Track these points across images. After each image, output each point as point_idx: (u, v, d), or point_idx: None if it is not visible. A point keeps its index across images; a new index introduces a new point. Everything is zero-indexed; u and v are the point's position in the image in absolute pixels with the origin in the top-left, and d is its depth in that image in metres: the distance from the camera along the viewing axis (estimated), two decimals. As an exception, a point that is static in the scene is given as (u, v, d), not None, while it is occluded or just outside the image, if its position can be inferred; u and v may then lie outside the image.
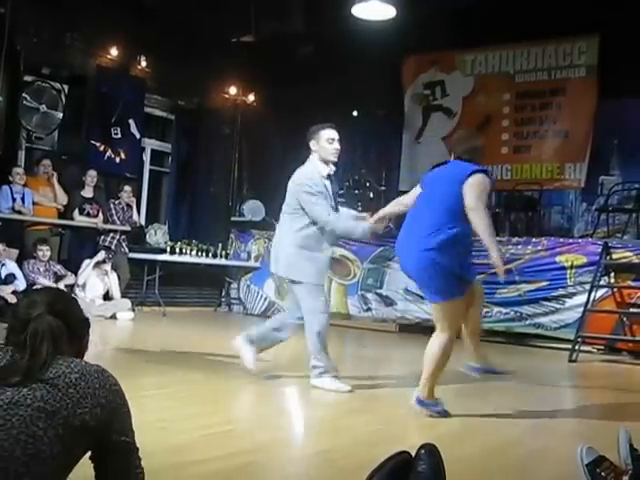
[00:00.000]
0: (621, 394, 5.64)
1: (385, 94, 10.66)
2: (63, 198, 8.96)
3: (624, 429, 2.67)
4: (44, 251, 8.23)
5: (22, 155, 9.31)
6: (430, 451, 2.13)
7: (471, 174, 3.83)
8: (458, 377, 5.65)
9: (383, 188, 10.71)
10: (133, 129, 10.17)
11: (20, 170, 8.56)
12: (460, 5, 9.15)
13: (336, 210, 4.81)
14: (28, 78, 9.10)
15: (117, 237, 9.22)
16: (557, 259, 8.15)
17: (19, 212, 8.43)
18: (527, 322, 8.30)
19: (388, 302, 9.17)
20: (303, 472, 2.87)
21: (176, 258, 9.90)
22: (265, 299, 10.55)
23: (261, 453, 3.07)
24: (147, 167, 11.09)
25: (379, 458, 2.11)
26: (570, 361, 7.07)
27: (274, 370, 5.30)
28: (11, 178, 8.41)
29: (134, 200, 9.68)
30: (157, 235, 10.46)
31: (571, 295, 8.02)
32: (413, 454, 2.14)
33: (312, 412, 4.21)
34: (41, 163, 8.92)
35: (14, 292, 7.59)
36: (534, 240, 8.45)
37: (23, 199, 8.49)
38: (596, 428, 4.01)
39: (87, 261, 8.69)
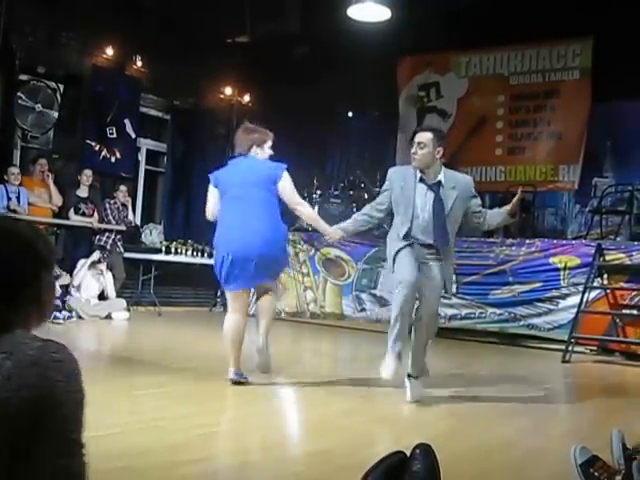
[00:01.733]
0: (614, 394, 5.68)
1: (380, 95, 10.69)
2: (58, 199, 8.94)
3: (617, 429, 2.69)
4: (39, 250, 8.22)
5: (17, 154, 9.30)
6: (425, 451, 2.13)
7: None
8: (450, 380, 5.68)
9: (378, 189, 10.73)
10: (128, 129, 10.17)
11: (16, 170, 8.54)
12: (455, 7, 9.18)
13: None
14: (23, 77, 9.09)
15: (112, 237, 9.20)
16: (551, 260, 8.19)
17: (14, 211, 8.41)
18: (521, 323, 8.33)
19: (382, 302, 9.17)
20: (298, 472, 2.88)
21: (171, 258, 9.91)
22: (260, 299, 10.55)
23: (257, 453, 3.09)
24: (142, 167, 11.09)
25: (374, 458, 2.12)
26: (563, 362, 7.11)
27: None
28: (6, 177, 8.41)
29: (129, 200, 9.68)
30: (152, 235, 10.47)
31: (564, 296, 8.05)
32: (408, 454, 2.14)
33: (307, 412, 4.23)
34: (37, 162, 8.91)
35: (9, 291, 7.57)
36: (528, 241, 8.48)
37: (18, 199, 8.48)
38: (589, 428, 4.04)
39: (82, 261, 8.67)
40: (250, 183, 4.58)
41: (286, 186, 4.60)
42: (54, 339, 1.33)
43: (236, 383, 4.51)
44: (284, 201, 4.65)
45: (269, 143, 4.74)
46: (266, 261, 4.47)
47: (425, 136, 4.46)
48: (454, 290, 8.74)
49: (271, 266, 4.61)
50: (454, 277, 8.72)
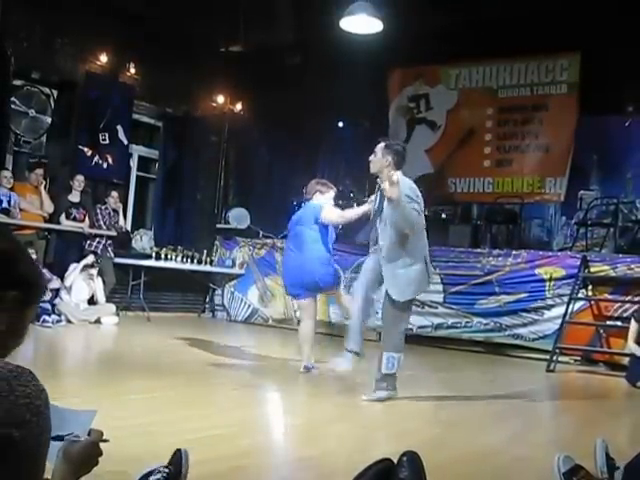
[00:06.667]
0: (597, 404, 5.76)
1: (370, 106, 10.75)
2: (49, 207, 8.93)
3: (601, 439, 2.74)
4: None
5: (10, 159, 9.31)
6: (412, 458, 2.17)
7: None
8: (436, 388, 5.75)
9: (366, 199, 10.78)
10: (121, 135, 10.20)
11: (8, 173, 8.55)
12: (445, 21, 9.27)
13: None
14: (17, 82, 9.13)
15: (103, 242, 9.22)
16: (536, 271, 8.29)
17: (8, 212, 8.39)
18: (506, 333, 8.42)
19: (369, 311, 9.23)
20: (286, 478, 2.93)
21: (161, 264, 9.95)
22: (249, 306, 10.61)
23: (245, 459, 3.13)
24: (134, 173, 11.11)
25: (361, 465, 2.15)
26: (548, 371, 7.22)
27: (258, 377, 5.36)
28: None
29: (120, 205, 9.72)
30: (143, 241, 10.51)
31: (550, 307, 8.15)
32: (395, 461, 2.18)
33: (296, 419, 4.28)
34: (34, 171, 8.90)
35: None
36: (514, 252, 8.57)
37: (9, 203, 8.49)
38: (573, 437, 4.11)
39: (75, 264, 8.69)
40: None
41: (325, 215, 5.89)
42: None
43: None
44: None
45: (331, 193, 6.20)
46: None
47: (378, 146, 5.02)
48: (441, 299, 8.84)
49: None
50: (441, 287, 8.86)
